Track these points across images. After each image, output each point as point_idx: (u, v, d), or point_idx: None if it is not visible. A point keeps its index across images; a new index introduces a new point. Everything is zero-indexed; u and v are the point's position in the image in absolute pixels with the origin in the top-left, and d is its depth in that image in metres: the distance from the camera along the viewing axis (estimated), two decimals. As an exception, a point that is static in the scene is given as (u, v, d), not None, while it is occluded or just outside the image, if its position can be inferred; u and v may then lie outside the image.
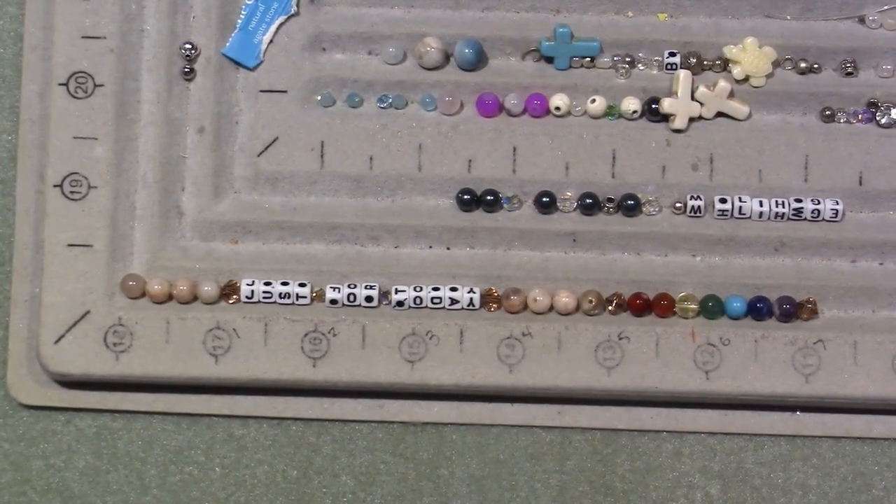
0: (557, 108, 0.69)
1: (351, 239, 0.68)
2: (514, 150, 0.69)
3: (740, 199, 0.68)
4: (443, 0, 0.69)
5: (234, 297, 0.68)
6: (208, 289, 0.67)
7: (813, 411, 0.69)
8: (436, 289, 0.67)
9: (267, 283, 0.67)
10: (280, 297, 0.67)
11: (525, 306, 0.68)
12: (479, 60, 0.69)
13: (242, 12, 0.69)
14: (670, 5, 0.69)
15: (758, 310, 0.67)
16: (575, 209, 0.68)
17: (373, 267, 0.68)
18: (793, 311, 0.67)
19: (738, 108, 0.69)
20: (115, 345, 0.67)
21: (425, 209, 0.69)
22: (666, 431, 0.69)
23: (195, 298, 0.68)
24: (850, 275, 0.68)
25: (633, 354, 0.67)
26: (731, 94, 0.69)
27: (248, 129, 0.69)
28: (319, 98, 0.69)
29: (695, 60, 0.69)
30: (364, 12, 0.69)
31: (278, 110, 0.69)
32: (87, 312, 0.67)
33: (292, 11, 0.69)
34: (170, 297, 0.68)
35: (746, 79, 0.69)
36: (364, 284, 0.68)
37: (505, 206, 0.69)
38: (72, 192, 0.67)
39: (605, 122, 0.69)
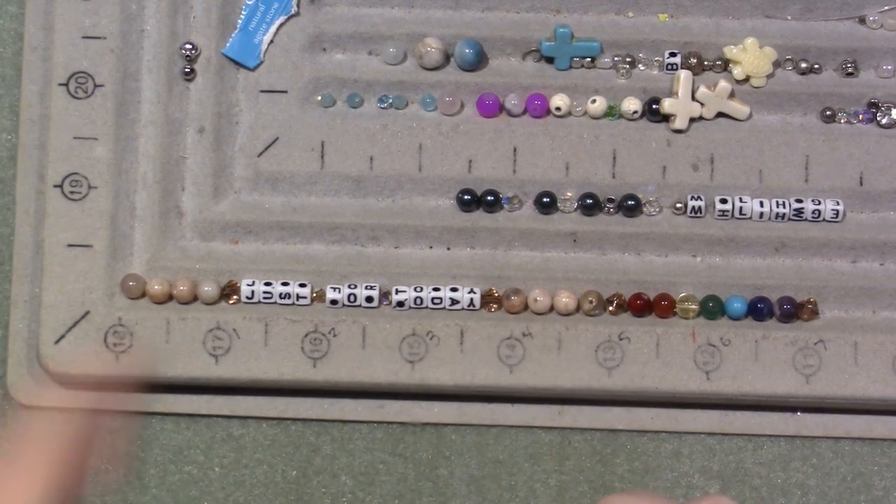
0: (558, 109, 0.69)
1: (351, 239, 0.68)
2: (515, 150, 0.69)
3: (741, 200, 0.68)
4: (443, 0, 0.69)
5: (235, 297, 0.68)
6: (208, 289, 0.67)
7: (813, 412, 0.69)
8: (436, 289, 0.67)
9: (267, 284, 0.67)
10: (280, 298, 0.67)
11: (525, 307, 0.68)
12: (479, 60, 0.69)
13: (242, 12, 0.69)
14: (670, 5, 0.69)
15: (758, 310, 0.67)
16: (575, 209, 0.68)
17: (373, 267, 0.68)
18: (793, 311, 0.67)
19: (739, 108, 0.69)
20: (115, 345, 0.67)
21: (425, 209, 0.69)
22: (665, 432, 0.69)
23: (195, 299, 0.68)
24: (851, 275, 0.68)
25: (634, 355, 0.67)
26: (732, 95, 0.69)
27: (249, 129, 0.69)
28: (320, 98, 0.69)
29: (695, 61, 0.69)
30: (364, 12, 0.69)
31: (278, 110, 0.69)
32: (87, 313, 0.67)
33: (292, 11, 0.69)
34: (170, 298, 0.68)
35: (747, 79, 0.69)
36: (364, 285, 0.68)
37: (505, 206, 0.69)
38: (72, 192, 0.67)
39: (605, 123, 0.69)
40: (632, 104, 0.69)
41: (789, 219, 0.68)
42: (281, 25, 0.69)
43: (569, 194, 0.69)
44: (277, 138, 0.69)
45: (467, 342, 0.67)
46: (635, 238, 0.68)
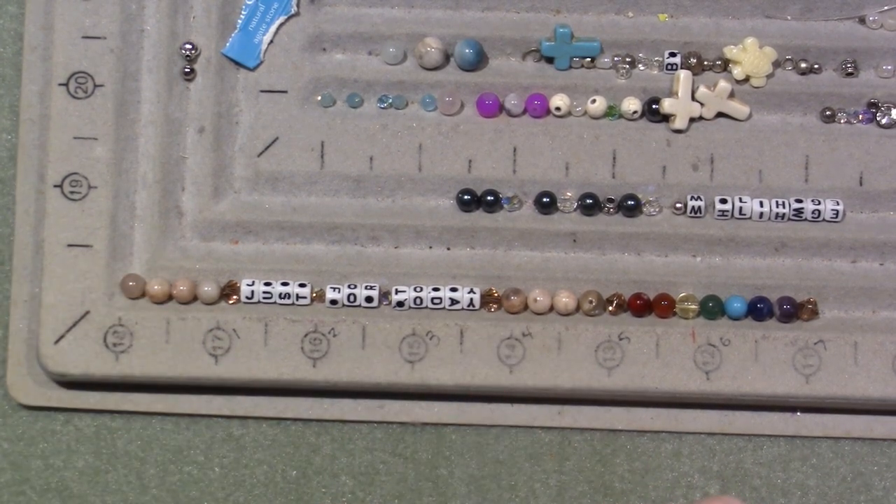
0: (558, 109, 0.69)
1: (351, 239, 0.68)
2: (515, 150, 0.69)
3: (741, 200, 0.68)
4: (443, 0, 0.69)
5: (234, 297, 0.68)
6: (208, 289, 0.67)
7: (813, 412, 0.69)
8: (436, 289, 0.67)
9: (267, 284, 0.67)
10: (280, 298, 0.67)
11: (525, 307, 0.68)
12: (479, 60, 0.69)
13: (242, 12, 0.69)
14: (670, 5, 0.69)
15: (758, 310, 0.67)
16: (575, 209, 0.68)
17: (373, 267, 0.68)
18: (793, 311, 0.67)
19: (739, 108, 0.69)
20: (114, 345, 0.67)
21: (425, 209, 0.69)
22: (665, 432, 0.69)
23: (195, 298, 0.68)
24: (851, 275, 0.68)
25: (634, 355, 0.67)
26: (732, 95, 0.69)
27: (249, 129, 0.69)
28: (319, 98, 0.69)
29: (695, 61, 0.69)
30: (364, 12, 0.69)
31: (278, 110, 0.69)
32: (87, 312, 0.67)
33: (292, 11, 0.69)
34: (170, 298, 0.68)
35: (747, 79, 0.69)
36: (364, 285, 0.68)
37: (505, 206, 0.69)
38: (72, 192, 0.67)
39: (605, 123, 0.69)
40: (632, 104, 0.69)
41: (789, 219, 0.68)
42: (281, 25, 0.69)
43: (569, 194, 0.68)
44: (277, 138, 0.69)
45: (467, 342, 0.67)
46: (635, 238, 0.68)
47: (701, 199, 0.68)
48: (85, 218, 0.67)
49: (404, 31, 0.69)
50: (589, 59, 0.69)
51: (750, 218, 0.68)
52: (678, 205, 0.68)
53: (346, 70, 0.69)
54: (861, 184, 0.68)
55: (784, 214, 0.68)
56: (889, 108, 0.69)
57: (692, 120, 0.68)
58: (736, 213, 0.68)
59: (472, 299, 0.67)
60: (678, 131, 0.69)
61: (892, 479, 0.69)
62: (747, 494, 0.69)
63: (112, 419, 0.70)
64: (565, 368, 0.67)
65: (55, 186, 0.67)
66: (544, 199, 0.68)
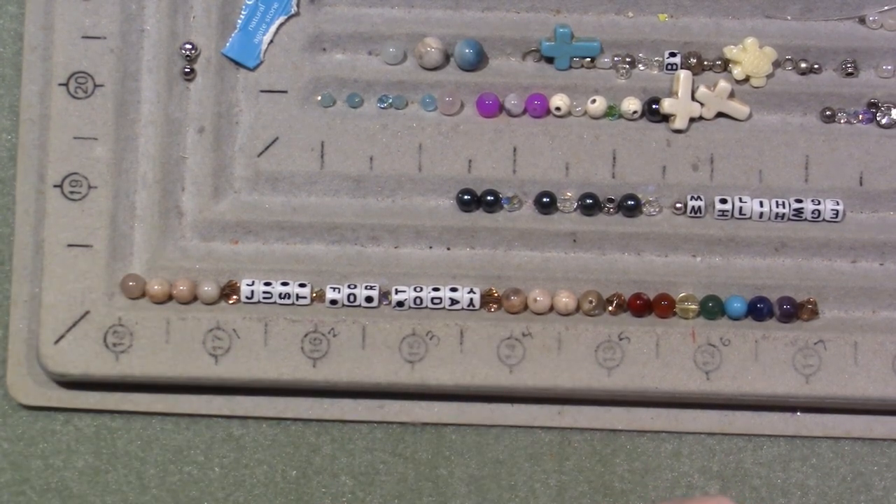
0: (558, 109, 0.69)
1: (351, 239, 0.68)
2: (515, 150, 0.69)
3: (741, 200, 0.68)
4: (443, 0, 0.69)
5: (234, 297, 0.68)
6: (208, 289, 0.67)
7: (813, 412, 0.69)
8: (436, 289, 0.67)
9: (267, 284, 0.67)
10: (280, 298, 0.67)
11: (525, 307, 0.68)
12: (479, 60, 0.69)
13: (242, 12, 0.69)
14: (670, 5, 0.69)
15: (758, 310, 0.67)
16: (575, 209, 0.68)
17: (373, 267, 0.68)
18: (793, 311, 0.67)
19: (739, 108, 0.69)
20: (114, 345, 0.67)
21: (425, 209, 0.69)
22: (665, 432, 0.69)
23: (195, 298, 0.68)
24: (851, 275, 0.68)
25: (634, 355, 0.67)
26: (732, 95, 0.69)
27: (248, 129, 0.69)
28: (319, 98, 0.69)
29: (695, 61, 0.69)
30: (364, 12, 0.69)
31: (278, 110, 0.69)
32: (87, 312, 0.67)
33: (292, 11, 0.69)
34: (170, 298, 0.68)
35: (747, 79, 0.69)
36: (364, 285, 0.68)
37: (505, 206, 0.69)
38: (72, 192, 0.67)
39: (605, 123, 0.69)
40: (632, 104, 0.69)
41: (789, 219, 0.68)
42: (281, 25, 0.69)
43: (569, 194, 0.68)
44: (277, 138, 0.69)
45: (467, 342, 0.67)
46: (635, 238, 0.68)
47: (701, 199, 0.68)
48: (85, 218, 0.67)
49: (404, 31, 0.69)
50: (589, 59, 0.69)
51: (750, 218, 0.68)
52: (678, 205, 0.68)
53: (346, 70, 0.69)
54: (861, 184, 0.68)
55: (784, 214, 0.68)
56: (889, 108, 0.69)
57: (692, 120, 0.68)
58: (736, 213, 0.68)
59: (472, 299, 0.67)
60: (678, 131, 0.69)
61: (892, 479, 0.69)
62: (747, 494, 0.69)
63: (112, 419, 0.70)
64: (565, 368, 0.67)
65: (55, 186, 0.67)
66: (544, 199, 0.68)
